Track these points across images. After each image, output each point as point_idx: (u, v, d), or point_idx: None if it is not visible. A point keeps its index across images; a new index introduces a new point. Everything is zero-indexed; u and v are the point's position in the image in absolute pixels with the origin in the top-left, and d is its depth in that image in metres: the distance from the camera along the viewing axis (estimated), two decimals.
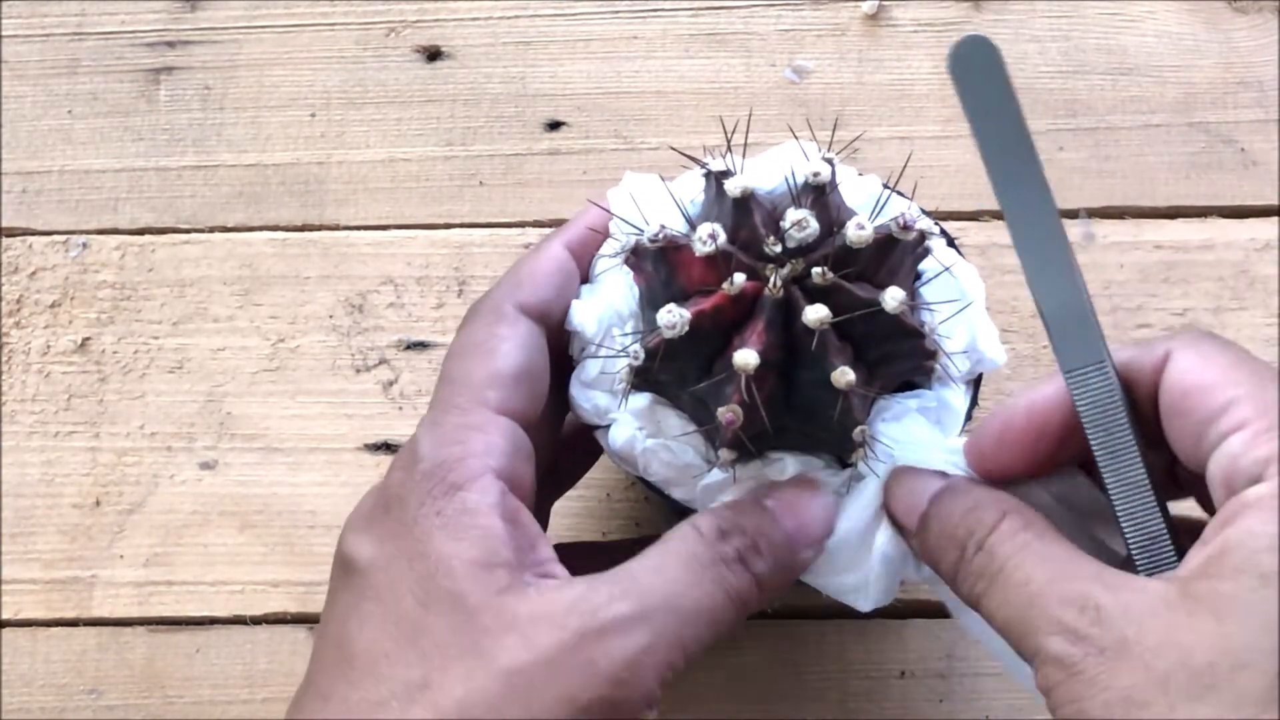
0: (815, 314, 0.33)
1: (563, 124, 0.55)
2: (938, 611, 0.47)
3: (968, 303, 0.37)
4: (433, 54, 0.56)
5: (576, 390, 0.39)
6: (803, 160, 0.36)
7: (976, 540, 0.33)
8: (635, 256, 0.36)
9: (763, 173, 0.37)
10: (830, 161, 0.35)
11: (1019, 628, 0.31)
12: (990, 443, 0.35)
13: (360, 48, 0.57)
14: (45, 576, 0.50)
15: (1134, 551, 0.32)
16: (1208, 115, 0.54)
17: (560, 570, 0.35)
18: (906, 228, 0.34)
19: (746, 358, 0.33)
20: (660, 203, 0.38)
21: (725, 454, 0.36)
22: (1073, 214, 0.53)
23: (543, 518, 0.41)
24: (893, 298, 0.34)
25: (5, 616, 0.49)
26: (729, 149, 0.36)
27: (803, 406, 0.35)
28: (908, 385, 0.38)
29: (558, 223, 0.53)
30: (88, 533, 0.50)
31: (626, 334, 0.38)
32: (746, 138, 0.37)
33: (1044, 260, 0.33)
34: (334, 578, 0.36)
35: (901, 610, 0.48)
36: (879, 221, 0.35)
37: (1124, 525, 0.32)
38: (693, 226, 0.35)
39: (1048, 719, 0.45)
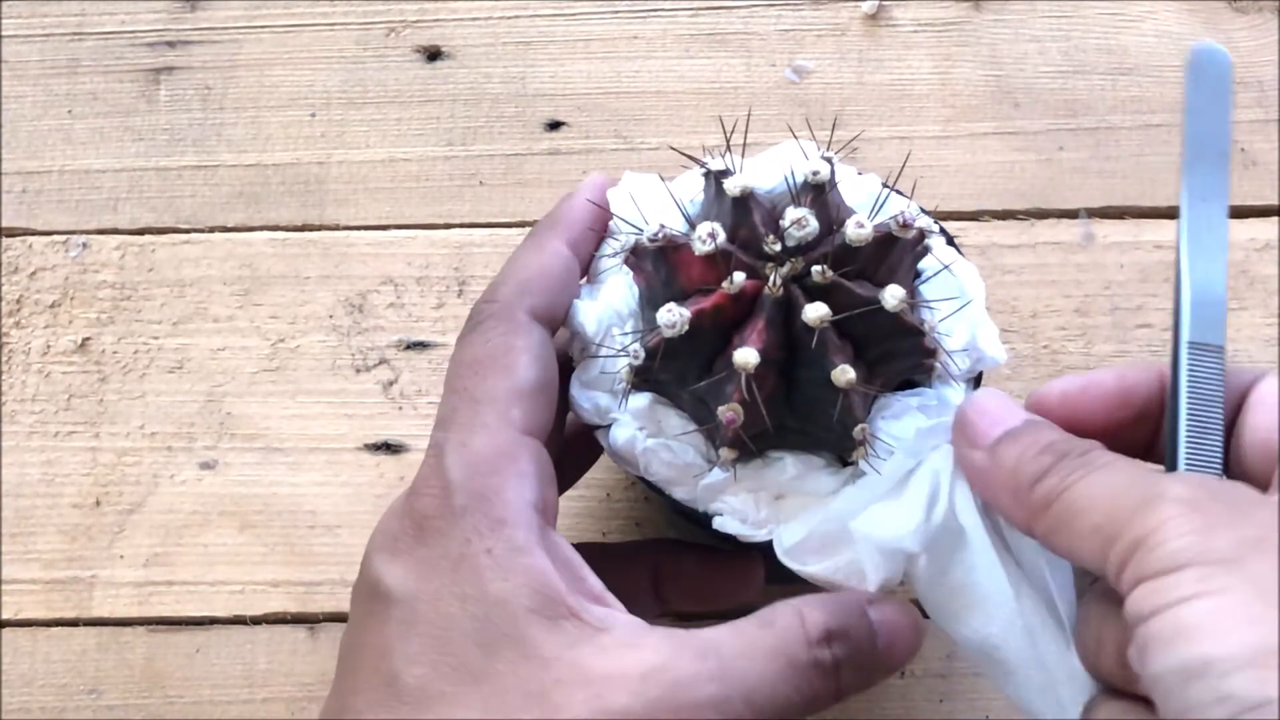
0: (815, 312, 0.33)
1: (563, 124, 0.55)
2: None
3: (967, 301, 0.37)
4: (433, 54, 0.56)
5: (577, 390, 0.38)
6: (802, 159, 0.36)
7: (1078, 449, 0.32)
8: (635, 256, 0.36)
9: (762, 172, 0.37)
10: (829, 160, 0.35)
11: (1134, 494, 0.30)
12: (1074, 389, 0.34)
13: (360, 48, 0.57)
14: (45, 576, 0.50)
15: None
16: None
17: (614, 600, 0.34)
18: (906, 226, 0.34)
19: (747, 356, 0.33)
20: (660, 202, 0.38)
21: (726, 453, 0.36)
22: (1073, 214, 0.53)
23: None
24: (892, 296, 0.34)
25: (5, 616, 0.49)
26: (728, 148, 0.36)
27: (803, 405, 0.35)
28: (908, 384, 0.38)
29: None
30: (88, 533, 0.50)
31: (626, 334, 0.37)
32: (746, 137, 0.37)
33: (1205, 243, 0.35)
34: (363, 601, 0.35)
35: None
36: (878, 220, 0.35)
37: None
38: (692, 226, 0.35)
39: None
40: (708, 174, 0.36)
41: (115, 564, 0.50)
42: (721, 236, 0.34)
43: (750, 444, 0.35)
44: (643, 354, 0.35)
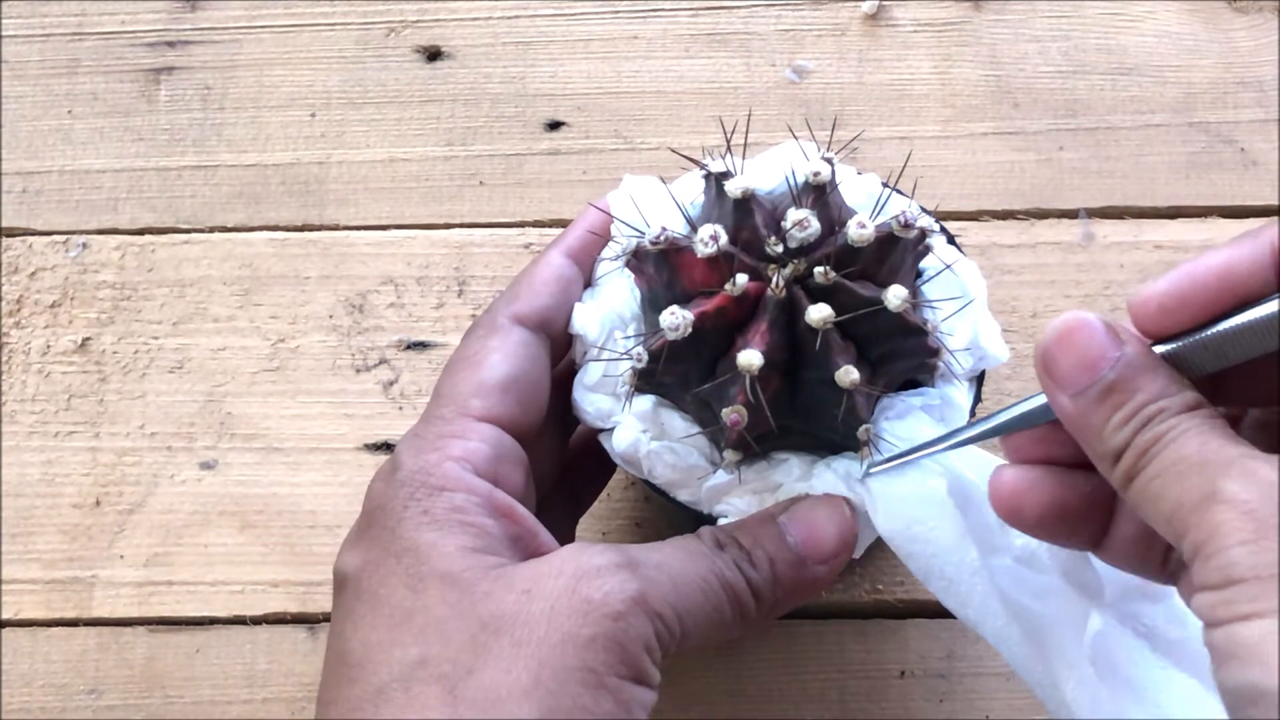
0: (819, 313, 0.33)
1: (563, 124, 0.55)
2: (938, 611, 0.47)
3: (969, 300, 0.37)
4: (433, 54, 0.56)
5: (579, 394, 0.38)
6: (802, 160, 0.36)
7: (1162, 413, 0.30)
8: (636, 259, 0.36)
9: (763, 173, 0.37)
10: (830, 161, 0.35)
11: (1194, 489, 0.29)
12: (1174, 300, 0.31)
13: (360, 48, 0.57)
14: (45, 576, 0.50)
15: None
16: (1208, 115, 0.54)
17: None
18: (907, 226, 0.34)
19: (750, 358, 0.33)
20: (660, 205, 0.38)
21: (730, 455, 0.36)
22: (1073, 214, 0.53)
23: (565, 535, 0.41)
24: (895, 296, 0.34)
25: (5, 616, 0.49)
26: (729, 150, 0.36)
27: (807, 406, 0.35)
28: (911, 384, 0.38)
29: (558, 223, 0.53)
30: (88, 533, 0.50)
31: (629, 337, 0.37)
32: (746, 138, 0.37)
33: None
34: (334, 599, 0.35)
35: (901, 610, 0.48)
36: (880, 220, 0.35)
37: None
38: (694, 228, 0.35)
39: (1048, 719, 0.45)
40: (708, 176, 0.36)
41: (115, 564, 0.50)
42: (724, 238, 0.34)
43: (754, 445, 0.35)
44: (646, 357, 0.35)
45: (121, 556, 0.50)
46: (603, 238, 0.39)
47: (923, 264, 0.37)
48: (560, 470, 0.41)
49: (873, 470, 0.36)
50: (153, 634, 0.49)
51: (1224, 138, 0.53)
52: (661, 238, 0.35)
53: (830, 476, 0.36)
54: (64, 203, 0.55)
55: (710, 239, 0.34)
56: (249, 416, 0.52)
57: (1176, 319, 0.31)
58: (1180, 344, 0.31)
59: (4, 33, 0.57)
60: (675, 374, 0.35)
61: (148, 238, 0.54)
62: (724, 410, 0.34)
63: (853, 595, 0.48)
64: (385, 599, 0.33)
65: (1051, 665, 0.35)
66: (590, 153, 0.55)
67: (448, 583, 0.32)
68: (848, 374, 0.33)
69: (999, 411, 0.34)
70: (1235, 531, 0.28)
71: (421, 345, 0.52)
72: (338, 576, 0.35)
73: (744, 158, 0.37)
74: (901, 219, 0.34)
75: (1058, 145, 0.54)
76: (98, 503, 0.51)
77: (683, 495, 0.38)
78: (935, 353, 0.35)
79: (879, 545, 0.48)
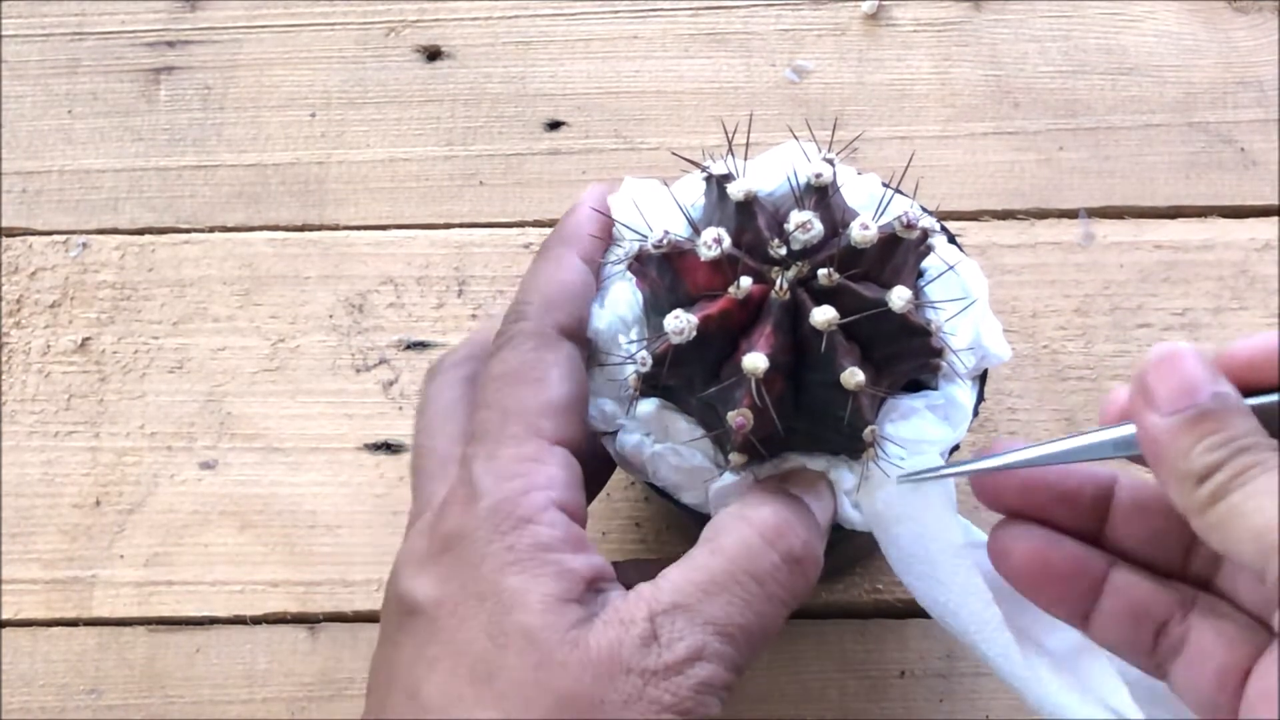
0: (823, 316, 0.33)
1: (563, 124, 0.55)
2: None
3: (971, 300, 0.37)
4: (433, 54, 0.56)
5: None
6: (804, 161, 0.36)
7: (1259, 446, 0.30)
8: (639, 263, 0.36)
9: (764, 175, 0.37)
10: (831, 162, 0.35)
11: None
12: (1261, 353, 0.32)
13: (360, 48, 0.57)
14: (45, 576, 0.50)
15: None
16: (1208, 115, 0.54)
17: (619, 591, 0.34)
18: (910, 226, 0.34)
19: (755, 361, 0.33)
20: (661, 207, 0.38)
21: (736, 458, 0.36)
22: (1073, 214, 0.53)
23: None
24: (899, 297, 0.34)
25: (5, 616, 0.49)
26: (730, 151, 0.36)
27: (812, 408, 0.35)
28: (915, 384, 0.38)
29: (558, 223, 0.53)
30: (88, 533, 0.50)
31: (632, 341, 0.37)
32: (749, 139, 0.37)
33: None
34: (391, 619, 0.35)
35: (901, 610, 0.48)
36: (882, 221, 0.35)
37: None
38: (696, 231, 0.35)
39: (1045, 719, 0.44)
40: (709, 178, 0.36)
41: (115, 564, 0.50)
42: (727, 241, 0.34)
43: (760, 448, 0.35)
44: (650, 361, 0.35)
45: (121, 556, 0.50)
46: (604, 240, 0.39)
47: (925, 264, 0.37)
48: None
49: (902, 481, 0.36)
50: (153, 634, 0.49)
51: (1224, 138, 0.53)
52: (664, 241, 0.35)
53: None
54: (64, 203, 0.55)
55: (714, 242, 0.34)
56: (249, 416, 0.52)
57: (1262, 376, 0.31)
58: (1265, 400, 0.32)
59: (4, 33, 0.57)
60: (679, 378, 0.35)
61: (148, 238, 0.54)
62: (729, 414, 0.34)
63: (853, 595, 0.48)
64: (466, 648, 0.32)
65: (1030, 656, 0.35)
66: (590, 153, 0.55)
67: (529, 642, 0.32)
68: (853, 376, 0.33)
69: (1051, 440, 0.34)
70: None
71: (421, 345, 0.52)
72: (406, 601, 0.34)
73: (745, 159, 0.36)
74: (904, 219, 0.34)
75: (1058, 145, 0.54)
76: (98, 503, 0.51)
77: (687, 497, 0.38)
78: (939, 353, 0.35)
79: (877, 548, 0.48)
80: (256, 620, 0.49)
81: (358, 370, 0.52)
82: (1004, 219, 0.53)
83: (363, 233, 0.54)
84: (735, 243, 0.34)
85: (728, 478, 0.37)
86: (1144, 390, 0.32)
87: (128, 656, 0.49)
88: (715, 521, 0.35)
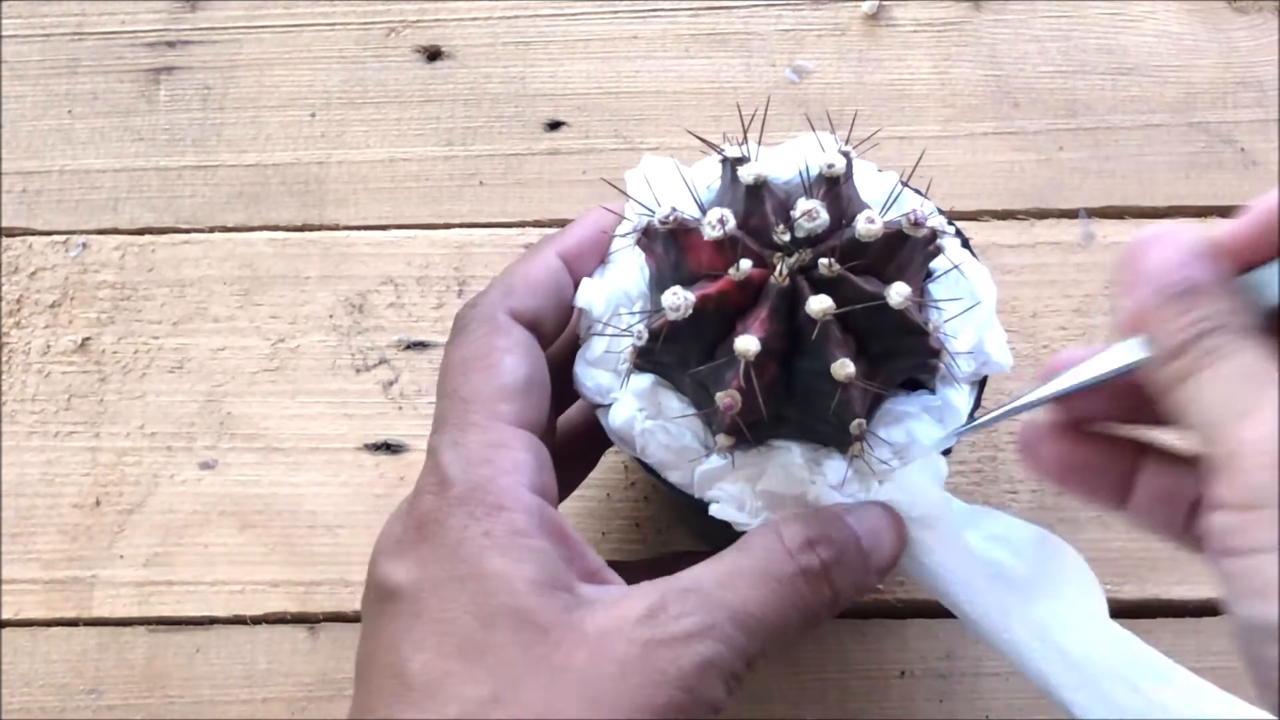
0: (819, 304, 0.33)
1: (563, 124, 0.55)
2: (938, 611, 0.47)
3: (975, 303, 0.37)
4: (433, 54, 0.56)
5: (581, 369, 0.39)
6: (819, 152, 0.36)
7: (1219, 327, 0.30)
8: (646, 238, 0.36)
9: (778, 162, 0.37)
10: (847, 155, 0.35)
11: (1232, 402, 0.29)
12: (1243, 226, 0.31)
13: (360, 48, 0.57)
14: (45, 576, 0.50)
15: None
16: (1208, 115, 0.54)
17: (614, 576, 0.35)
18: (917, 224, 0.34)
19: (747, 344, 0.33)
20: (676, 187, 0.38)
21: (723, 439, 0.36)
22: (1073, 214, 0.53)
23: None
24: (898, 293, 0.34)
25: (5, 616, 0.49)
26: (745, 136, 0.36)
27: (802, 396, 0.35)
28: (915, 385, 0.38)
29: (558, 222, 0.53)
30: (88, 533, 0.50)
31: (633, 314, 0.38)
32: (762, 131, 0.37)
33: None
34: (371, 607, 0.35)
35: (901, 610, 0.48)
36: (890, 217, 0.35)
37: None
38: (703, 211, 0.35)
39: (1046, 719, 0.45)
40: (724, 160, 0.36)
41: (115, 564, 0.50)
42: (731, 223, 0.34)
43: (746, 432, 0.35)
44: (646, 335, 0.35)
45: (121, 556, 0.50)
46: (608, 235, 0.39)
47: (934, 265, 0.37)
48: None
49: (962, 432, 0.37)
50: (153, 634, 0.49)
51: (1224, 138, 0.53)
52: (671, 217, 0.35)
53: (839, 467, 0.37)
54: (64, 203, 0.55)
55: (718, 222, 0.34)
56: (249, 416, 0.52)
57: (1257, 250, 0.31)
58: (1260, 271, 0.32)
59: (4, 33, 0.57)
60: (674, 354, 0.36)
61: (148, 238, 0.54)
62: (718, 394, 0.34)
63: None
64: (453, 627, 0.33)
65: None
66: (590, 153, 0.55)
67: (520, 622, 0.32)
68: (843, 367, 0.33)
69: (1066, 373, 0.34)
70: (1267, 453, 0.28)
71: (421, 345, 0.52)
72: (385, 586, 0.34)
73: (759, 144, 0.37)
74: (911, 217, 0.34)
75: (1058, 145, 0.54)
76: (98, 503, 0.51)
77: (674, 476, 0.38)
78: (936, 354, 0.35)
79: None
80: (256, 620, 0.49)
81: (358, 370, 0.52)
82: (1004, 219, 0.53)
83: (363, 233, 0.54)
84: (742, 226, 0.35)
85: (714, 460, 0.37)
86: (1132, 262, 0.32)
87: (128, 656, 0.49)
88: (751, 530, 0.36)
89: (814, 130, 0.39)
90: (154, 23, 0.57)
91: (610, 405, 0.38)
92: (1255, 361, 0.30)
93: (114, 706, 0.48)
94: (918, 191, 0.39)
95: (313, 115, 0.56)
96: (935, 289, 0.37)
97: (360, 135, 0.55)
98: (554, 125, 0.55)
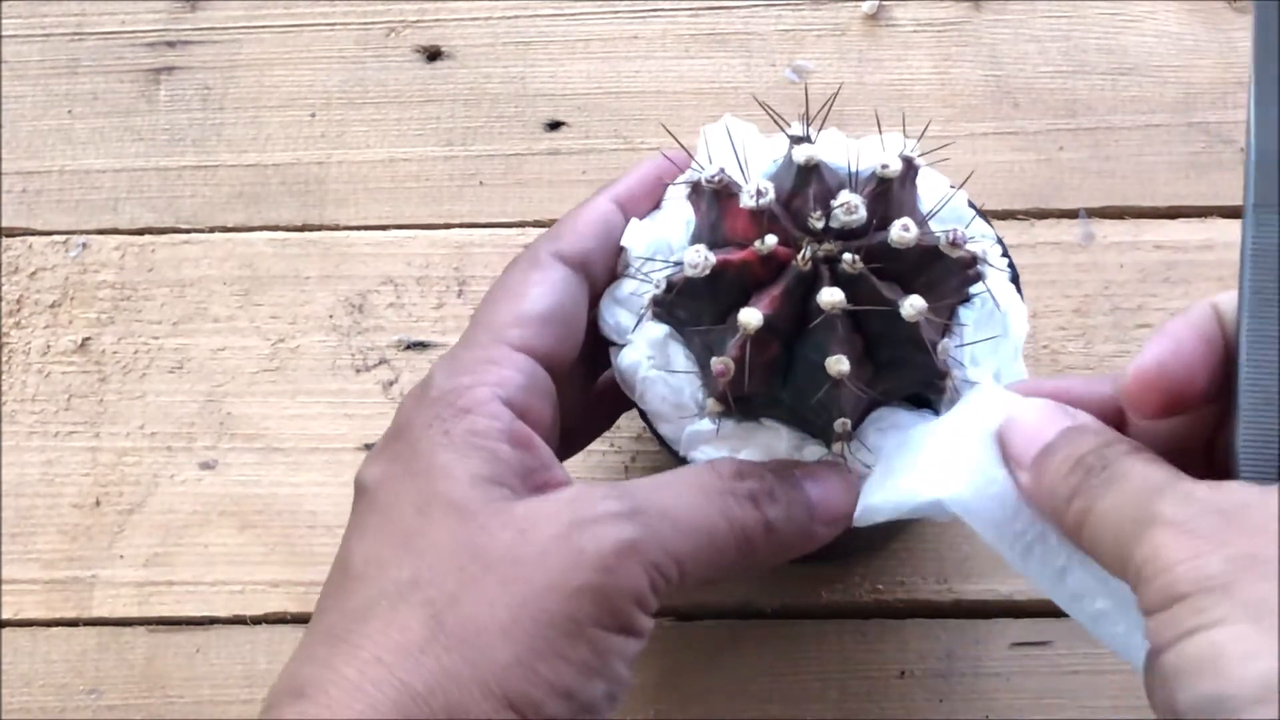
0: (829, 296, 0.33)
1: (563, 124, 0.55)
2: (938, 611, 0.47)
3: (996, 335, 0.37)
4: (433, 54, 0.56)
5: (606, 305, 0.39)
6: (880, 150, 0.36)
7: (1104, 461, 0.31)
8: (695, 193, 0.37)
9: (839, 150, 0.36)
10: (909, 160, 0.35)
11: (1132, 519, 0.30)
12: (1168, 355, 0.32)
13: (360, 48, 0.57)
14: (45, 576, 0.50)
15: (1243, 445, 0.31)
16: (1208, 115, 0.54)
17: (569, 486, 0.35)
18: (955, 244, 0.34)
19: (750, 316, 0.33)
20: (751, 150, 0.37)
21: (712, 404, 0.36)
22: (1073, 214, 0.53)
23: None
24: (911, 305, 0.33)
25: (5, 616, 0.49)
26: (807, 117, 0.36)
27: (797, 383, 0.35)
28: (925, 401, 0.38)
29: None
30: (88, 533, 0.50)
31: (665, 262, 0.38)
32: (824, 120, 0.36)
33: (1273, 109, 0.34)
34: (351, 510, 0.36)
35: (901, 610, 0.48)
36: (934, 231, 0.34)
37: (1245, 400, 0.31)
38: (747, 179, 0.35)
39: (1046, 719, 0.45)
40: (792, 138, 0.36)
41: (115, 564, 0.50)
42: (769, 196, 0.34)
43: (732, 404, 0.35)
44: (664, 285, 0.35)
45: (121, 556, 0.50)
46: (664, 183, 0.39)
47: (975, 290, 0.37)
48: (582, 412, 0.41)
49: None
50: (153, 634, 0.49)
51: (1224, 138, 0.53)
52: (717, 178, 0.35)
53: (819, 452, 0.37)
54: (64, 203, 0.55)
55: (756, 193, 0.34)
56: (249, 416, 0.52)
57: (1172, 376, 0.32)
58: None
59: (4, 33, 0.57)
60: (688, 310, 0.36)
61: (148, 238, 0.54)
62: (714, 359, 0.34)
63: (853, 595, 0.48)
64: (395, 517, 0.33)
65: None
66: (590, 153, 0.55)
67: (451, 509, 0.33)
68: (838, 363, 0.33)
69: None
70: (1174, 551, 0.28)
71: (421, 345, 0.52)
72: (358, 486, 0.36)
73: (820, 129, 0.37)
74: (951, 236, 0.34)
75: (1058, 145, 0.54)
76: (98, 503, 0.51)
77: (664, 428, 0.38)
78: (942, 376, 0.35)
79: (879, 544, 0.48)
80: (256, 620, 0.49)
81: (358, 370, 0.52)
82: (1004, 219, 0.53)
83: (363, 233, 0.54)
84: (784, 203, 0.35)
85: (706, 423, 0.37)
86: (1007, 450, 0.34)
87: (128, 656, 0.49)
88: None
89: (880, 129, 0.38)
90: (154, 23, 0.57)
91: (623, 346, 0.38)
92: (1139, 475, 0.31)
93: (114, 706, 0.48)
94: (984, 219, 0.39)
95: (313, 115, 0.56)
96: (967, 314, 0.37)
97: (360, 135, 0.55)
98: (554, 125, 0.55)
